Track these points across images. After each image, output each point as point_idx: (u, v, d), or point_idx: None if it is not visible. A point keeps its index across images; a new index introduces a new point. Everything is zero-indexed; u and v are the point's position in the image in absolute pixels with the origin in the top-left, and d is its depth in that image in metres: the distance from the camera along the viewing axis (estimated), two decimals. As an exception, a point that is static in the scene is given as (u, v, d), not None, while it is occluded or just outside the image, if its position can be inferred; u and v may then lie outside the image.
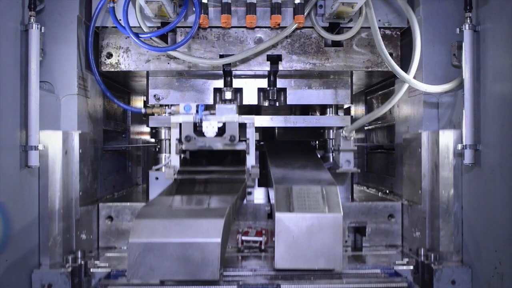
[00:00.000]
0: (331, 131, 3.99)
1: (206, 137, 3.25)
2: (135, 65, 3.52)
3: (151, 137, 4.13)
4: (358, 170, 3.64)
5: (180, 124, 3.28)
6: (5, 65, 2.66)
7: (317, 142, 4.88)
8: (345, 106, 4.01)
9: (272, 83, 3.75)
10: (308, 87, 3.76)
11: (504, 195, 2.59)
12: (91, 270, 2.94)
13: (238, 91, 3.79)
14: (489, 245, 2.74)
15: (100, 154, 3.73)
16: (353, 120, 3.89)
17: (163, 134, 3.94)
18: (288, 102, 3.76)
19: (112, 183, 4.13)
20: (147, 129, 5.21)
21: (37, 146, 2.83)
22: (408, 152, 3.49)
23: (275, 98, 3.77)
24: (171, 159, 3.35)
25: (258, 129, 3.72)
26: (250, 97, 3.78)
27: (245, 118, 3.38)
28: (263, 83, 3.77)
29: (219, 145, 3.26)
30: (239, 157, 3.53)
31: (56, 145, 3.01)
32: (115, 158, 4.34)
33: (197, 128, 3.28)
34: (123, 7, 3.15)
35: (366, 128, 5.00)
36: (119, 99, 4.40)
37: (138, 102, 5.06)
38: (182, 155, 3.40)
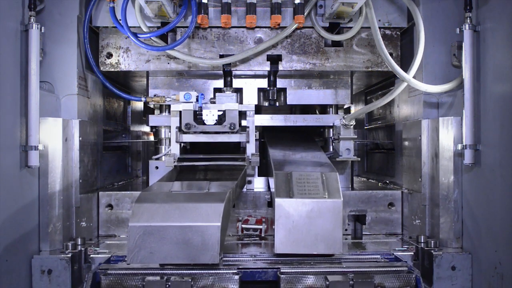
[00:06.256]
0: (331, 130, 3.99)
1: (206, 125, 3.26)
2: (135, 65, 3.52)
3: (154, 137, 4.13)
4: (358, 159, 3.64)
5: (180, 112, 3.28)
6: (5, 65, 2.65)
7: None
8: (345, 106, 4.00)
9: (272, 83, 3.75)
10: (308, 87, 3.76)
11: (504, 195, 2.60)
12: (91, 256, 2.94)
13: (238, 91, 3.79)
14: (489, 233, 2.75)
15: (101, 153, 3.73)
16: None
17: (163, 133, 3.95)
18: (288, 102, 3.77)
19: (112, 175, 4.15)
20: (147, 129, 5.21)
21: (37, 146, 2.83)
22: (408, 140, 3.49)
23: (275, 98, 3.78)
24: (171, 148, 3.36)
25: (257, 128, 3.73)
26: (250, 97, 3.79)
27: (245, 106, 3.40)
28: (263, 83, 3.78)
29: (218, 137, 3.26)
30: (239, 148, 3.54)
31: (56, 132, 3.02)
32: (116, 156, 4.34)
33: (197, 116, 3.28)
34: (122, 7, 3.14)
35: (366, 128, 5.00)
36: (118, 100, 4.43)
37: (138, 103, 5.05)
38: (182, 144, 3.40)
